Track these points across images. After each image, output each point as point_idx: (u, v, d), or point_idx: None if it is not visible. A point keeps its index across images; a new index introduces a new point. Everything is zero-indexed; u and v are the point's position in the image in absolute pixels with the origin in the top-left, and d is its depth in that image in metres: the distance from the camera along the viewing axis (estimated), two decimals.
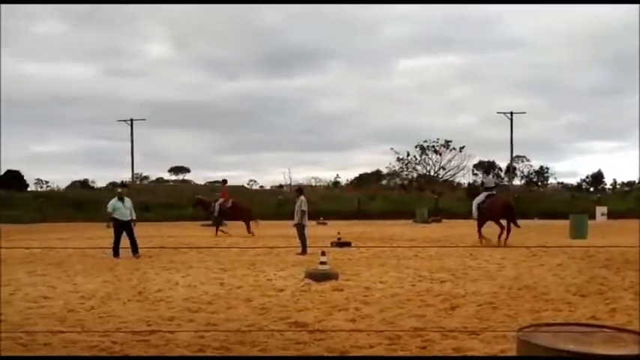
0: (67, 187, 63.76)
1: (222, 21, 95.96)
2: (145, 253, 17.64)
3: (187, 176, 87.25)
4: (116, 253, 17.44)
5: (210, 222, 29.13)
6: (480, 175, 64.54)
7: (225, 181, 31.61)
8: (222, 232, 27.74)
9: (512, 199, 46.87)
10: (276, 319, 8.93)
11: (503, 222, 21.07)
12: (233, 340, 7.60)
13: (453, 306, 9.77)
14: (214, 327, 8.41)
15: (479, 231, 21.85)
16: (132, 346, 7.41)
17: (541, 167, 73.96)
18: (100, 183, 71.47)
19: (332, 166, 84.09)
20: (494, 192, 22.87)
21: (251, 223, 27.66)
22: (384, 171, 67.59)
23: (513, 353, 4.56)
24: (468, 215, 28.09)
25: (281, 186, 64.03)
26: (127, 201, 18.27)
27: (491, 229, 21.52)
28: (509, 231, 20.89)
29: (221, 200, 28.05)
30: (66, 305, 10.13)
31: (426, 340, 7.55)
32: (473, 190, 61.67)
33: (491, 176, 29.58)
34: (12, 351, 7.21)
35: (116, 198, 18.21)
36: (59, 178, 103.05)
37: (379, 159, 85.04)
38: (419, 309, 9.58)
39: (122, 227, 17.87)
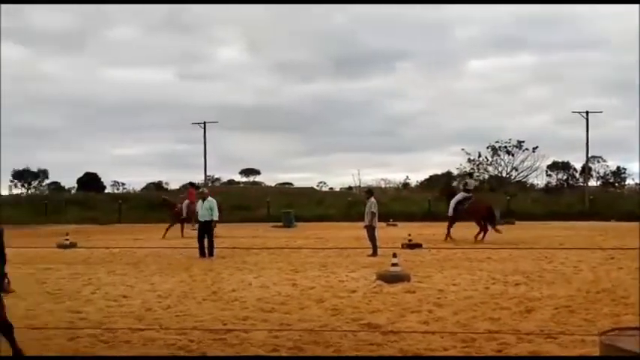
0: (143, 189, 65.44)
1: (293, 24, 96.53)
2: (217, 254, 17.93)
3: (258, 178, 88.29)
4: (199, 253, 17.89)
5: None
6: (553, 176, 63.10)
7: (192, 184, 31.62)
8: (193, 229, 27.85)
9: (588, 201, 45.73)
10: (349, 320, 8.97)
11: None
12: (307, 340, 7.68)
13: (528, 309, 9.61)
14: (288, 327, 8.50)
15: (448, 230, 23.87)
16: (208, 344, 7.57)
17: (618, 168, 71.74)
18: (174, 185, 72.98)
19: (401, 167, 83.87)
20: (472, 194, 24.95)
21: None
22: (455, 172, 66.85)
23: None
24: (543, 217, 27.55)
25: (350, 188, 64.01)
26: (207, 201, 18.67)
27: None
28: (486, 231, 23.08)
29: (187, 202, 28.11)
30: (144, 304, 10.42)
31: (502, 343, 7.46)
32: (549, 191, 60.45)
33: (473, 180, 29.65)
34: (94, 347, 7.46)
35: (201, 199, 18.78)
36: (135, 181, 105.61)
37: (449, 160, 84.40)
38: (493, 312, 9.46)
39: (201, 227, 18.35)
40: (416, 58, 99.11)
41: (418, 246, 19.98)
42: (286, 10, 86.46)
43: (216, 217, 18.52)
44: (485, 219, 23.45)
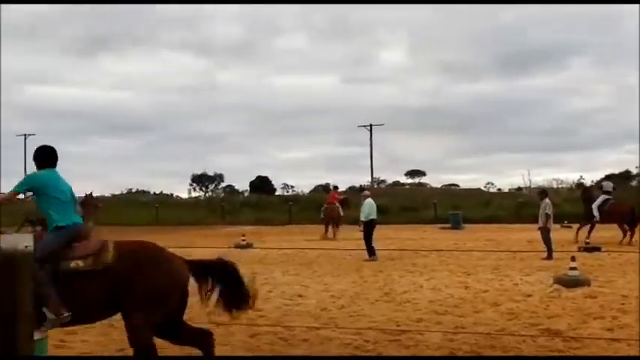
0: (311, 192, 67.09)
1: (458, 24, 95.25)
2: (386, 256, 18.02)
3: (423, 179, 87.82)
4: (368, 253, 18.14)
5: None
6: None
7: (335, 187, 32.97)
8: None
9: None
10: (527, 325, 8.72)
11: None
12: (483, 344, 7.55)
13: None
14: (463, 330, 8.40)
15: (589, 232, 22.76)
16: (384, 345, 7.65)
17: None
18: (341, 187, 74.27)
19: (575, 167, 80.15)
20: (611, 196, 24.08)
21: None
22: (634, 171, 62.87)
23: None
24: None
25: (520, 188, 61.96)
26: (364, 204, 19.02)
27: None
28: (633, 233, 22.05)
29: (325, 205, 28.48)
30: (319, 303, 10.69)
31: None
32: None
33: (610, 182, 27.58)
34: (273, 345, 7.75)
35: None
36: (303, 183, 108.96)
37: (626, 158, 79.50)
38: None
39: (365, 227, 18.69)
40: (589, 53, 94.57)
41: (597, 249, 18.99)
42: (451, 10, 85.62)
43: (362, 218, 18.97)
44: (628, 221, 22.68)
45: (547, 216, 17.69)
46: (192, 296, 10.83)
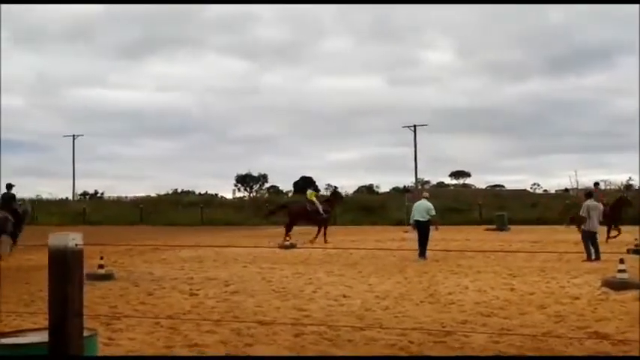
0: (355, 192, 67.07)
1: (504, 24, 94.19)
2: (431, 257, 17.98)
3: (468, 180, 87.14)
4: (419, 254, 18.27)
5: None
6: None
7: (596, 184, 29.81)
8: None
9: None
10: (574, 328, 8.61)
11: None
12: (529, 347, 7.49)
13: None
14: (509, 332, 8.34)
15: None
16: (429, 347, 7.62)
17: None
18: (384, 188, 74.15)
19: (623, 168, 78.76)
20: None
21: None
22: None
23: None
24: None
25: (567, 189, 60.96)
26: (419, 203, 19.21)
27: None
28: None
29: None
30: (363, 304, 10.69)
31: None
32: None
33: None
34: (318, 345, 7.79)
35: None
36: (347, 184, 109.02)
37: None
38: None
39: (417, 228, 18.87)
40: (638, 53, 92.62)
41: None
42: (497, 11, 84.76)
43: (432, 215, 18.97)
44: None
45: (582, 218, 17.57)
46: (237, 295, 11.01)
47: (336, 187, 38.48)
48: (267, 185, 78.61)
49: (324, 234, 26.20)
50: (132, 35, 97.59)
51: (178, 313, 9.99)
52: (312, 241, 25.31)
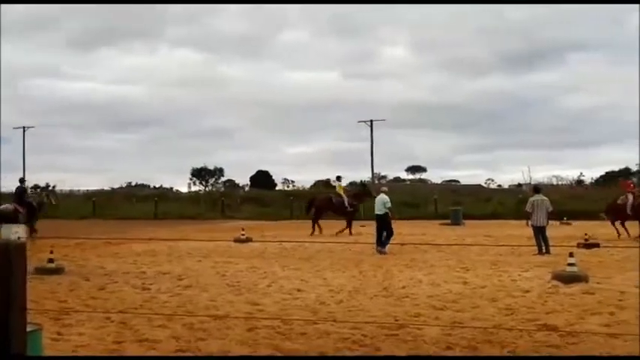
0: (311, 187, 67.09)
1: (462, 21, 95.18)
2: (387, 250, 18.08)
3: (424, 175, 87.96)
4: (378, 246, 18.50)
5: None
6: None
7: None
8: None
9: None
10: (524, 321, 8.73)
11: None
12: (481, 339, 7.56)
13: None
14: (461, 325, 8.41)
15: None
16: (381, 340, 7.65)
17: None
18: (342, 182, 74.30)
19: (574, 164, 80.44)
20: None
21: None
22: (634, 168, 62.84)
23: None
24: None
25: (520, 185, 61.96)
26: (378, 198, 19.50)
27: None
28: None
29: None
30: (318, 298, 10.69)
31: None
32: None
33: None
34: (272, 339, 7.75)
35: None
36: (304, 179, 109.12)
37: (628, 156, 79.75)
38: None
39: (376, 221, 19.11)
40: (592, 51, 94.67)
41: (595, 246, 19.00)
42: (454, 9, 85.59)
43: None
44: None
45: (527, 213, 17.84)
46: (191, 289, 10.90)
47: (365, 182, 38.40)
48: (223, 179, 78.18)
49: (349, 227, 26.48)
50: (87, 26, 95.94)
51: (129, 307, 9.86)
52: (337, 234, 25.71)
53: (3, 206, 22.21)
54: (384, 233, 18.67)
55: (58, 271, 13.47)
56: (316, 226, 26.90)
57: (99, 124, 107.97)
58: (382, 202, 19.03)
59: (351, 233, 25.87)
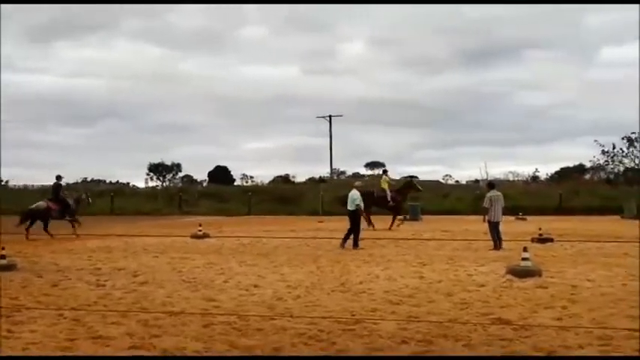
0: (270, 182, 66.96)
1: (420, 18, 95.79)
2: (345, 246, 18.11)
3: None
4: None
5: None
6: None
7: None
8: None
9: None
10: (479, 315, 8.84)
11: None
12: (436, 333, 7.63)
13: None
14: (417, 319, 8.48)
15: None
16: (337, 335, 7.67)
17: None
18: (300, 178, 74.28)
19: (530, 160, 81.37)
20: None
21: None
22: (588, 164, 64.12)
23: None
24: None
25: (477, 181, 62.74)
26: (350, 194, 19.35)
27: None
28: None
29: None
30: (275, 293, 10.66)
31: None
32: None
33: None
34: (228, 335, 7.71)
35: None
36: (262, 174, 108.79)
37: (581, 153, 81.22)
38: (632, 309, 9.03)
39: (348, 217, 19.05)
40: (548, 49, 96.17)
41: (549, 240, 19.37)
42: (411, 8, 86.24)
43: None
44: None
45: (484, 209, 18.01)
46: (146, 285, 10.79)
47: (412, 177, 38.33)
48: (180, 174, 77.41)
49: (392, 221, 26.81)
50: (41, 19, 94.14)
51: (83, 304, 9.70)
52: (389, 229, 26.04)
53: (36, 204, 23.10)
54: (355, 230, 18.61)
55: (10, 267, 13.20)
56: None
57: (53, 118, 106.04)
58: (352, 198, 19.01)
59: (390, 228, 26.13)
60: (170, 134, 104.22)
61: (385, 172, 29.80)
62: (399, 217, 28.04)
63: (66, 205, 23.35)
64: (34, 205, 22.89)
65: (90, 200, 26.57)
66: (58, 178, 24.37)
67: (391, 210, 27.34)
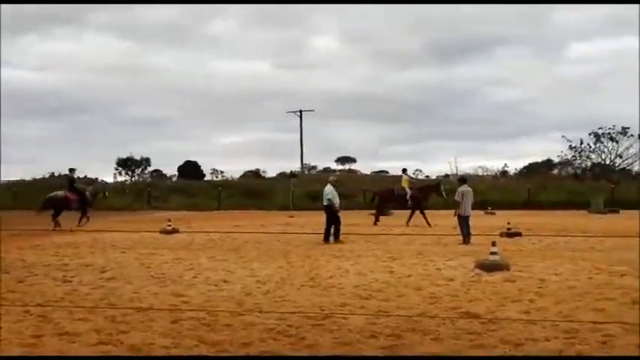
0: (240, 177, 66.75)
1: (392, 13, 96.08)
2: (314, 241, 18.12)
3: (353, 166, 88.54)
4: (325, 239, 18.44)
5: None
6: None
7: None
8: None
9: None
10: (447, 309, 8.89)
11: None
12: (404, 328, 7.67)
13: (634, 300, 9.23)
14: (386, 314, 8.51)
15: None
16: (307, 330, 7.66)
17: None
18: (271, 173, 74.18)
19: (499, 155, 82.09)
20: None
21: None
22: (555, 160, 64.95)
23: None
24: None
25: (447, 175, 63.20)
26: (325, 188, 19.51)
27: None
28: None
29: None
30: (244, 289, 10.63)
31: (607, 334, 7.24)
32: None
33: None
34: (196, 330, 7.67)
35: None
36: (233, 169, 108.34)
37: (550, 147, 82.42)
38: (597, 302, 9.17)
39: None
40: (517, 44, 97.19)
41: (518, 235, 19.56)
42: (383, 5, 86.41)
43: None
44: None
45: (456, 203, 18.13)
46: (114, 281, 10.70)
47: (440, 180, 38.42)
48: (150, 169, 76.79)
49: (409, 218, 26.91)
50: (5, 12, 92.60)
51: (50, 300, 9.59)
52: (407, 224, 26.19)
53: (55, 192, 24.28)
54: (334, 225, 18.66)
55: None
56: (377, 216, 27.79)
57: (20, 112, 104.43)
58: (324, 193, 19.07)
59: (407, 224, 26.16)
60: (139, 128, 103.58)
61: (404, 170, 29.88)
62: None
63: (84, 197, 24.53)
64: (52, 194, 23.95)
65: (107, 194, 28.57)
66: (71, 170, 26.23)
67: (410, 208, 27.52)
